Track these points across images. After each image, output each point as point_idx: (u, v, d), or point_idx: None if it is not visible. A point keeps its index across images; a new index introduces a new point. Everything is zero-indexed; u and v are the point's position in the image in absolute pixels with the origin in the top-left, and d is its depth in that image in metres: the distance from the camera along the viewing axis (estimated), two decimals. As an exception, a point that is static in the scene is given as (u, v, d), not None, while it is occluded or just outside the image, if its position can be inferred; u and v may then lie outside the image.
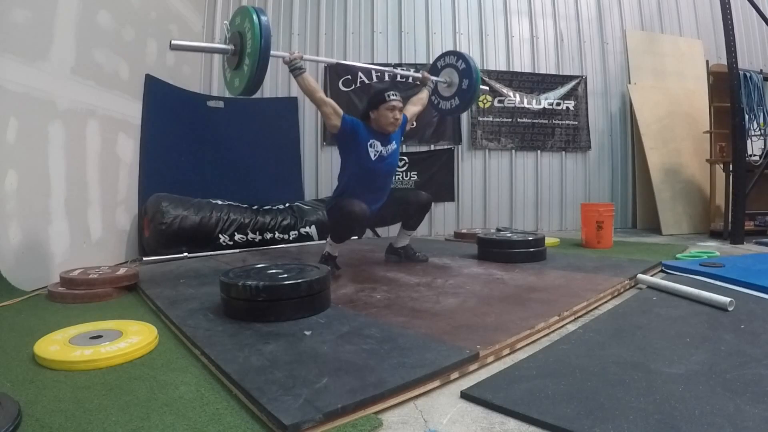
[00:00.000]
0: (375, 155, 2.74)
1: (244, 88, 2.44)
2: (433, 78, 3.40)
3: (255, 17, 2.32)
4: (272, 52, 2.38)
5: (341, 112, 2.71)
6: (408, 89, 5.39)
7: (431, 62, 5.29)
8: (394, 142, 2.86)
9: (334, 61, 3.88)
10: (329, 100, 2.71)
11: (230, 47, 2.52)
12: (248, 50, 2.38)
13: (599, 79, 5.81)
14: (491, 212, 5.58)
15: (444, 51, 3.82)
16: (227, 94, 5.19)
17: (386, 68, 4.43)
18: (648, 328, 1.76)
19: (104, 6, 3.35)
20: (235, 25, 2.52)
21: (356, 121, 2.77)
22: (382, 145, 2.77)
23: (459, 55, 3.49)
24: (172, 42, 2.39)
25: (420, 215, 3.11)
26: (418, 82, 3.44)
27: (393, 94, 2.76)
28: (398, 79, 5.36)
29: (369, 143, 2.73)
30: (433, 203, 3.41)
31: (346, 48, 5.37)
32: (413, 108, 3.15)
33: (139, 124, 3.92)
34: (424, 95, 3.27)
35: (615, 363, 1.41)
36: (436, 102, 3.63)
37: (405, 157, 5.37)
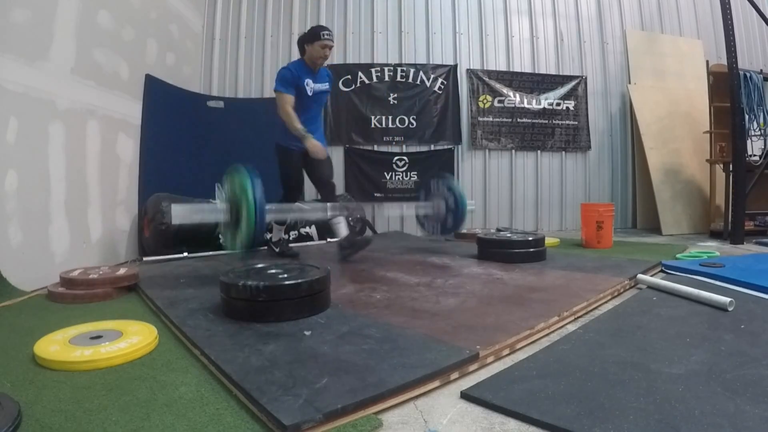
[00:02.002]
0: (311, 91, 3.20)
1: (245, 245, 2.52)
2: (420, 211, 3.83)
3: (251, 196, 2.41)
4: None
5: (284, 92, 3.07)
6: (408, 89, 5.41)
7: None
8: (326, 84, 3.33)
9: None
10: (286, 107, 3.07)
11: (227, 215, 2.58)
12: (243, 220, 2.45)
13: (599, 79, 5.81)
14: (491, 212, 5.58)
15: (438, 176, 3.99)
16: (227, 94, 5.22)
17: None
18: (648, 328, 1.76)
19: (104, 6, 3.35)
20: (231, 191, 2.57)
21: (294, 68, 3.16)
22: (313, 82, 3.22)
23: (449, 186, 3.67)
24: (173, 208, 2.57)
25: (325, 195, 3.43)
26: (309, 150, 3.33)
27: (327, 34, 3.14)
28: (398, 79, 5.38)
29: (305, 82, 3.16)
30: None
31: (346, 48, 5.37)
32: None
33: (139, 124, 3.92)
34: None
35: (615, 363, 1.41)
36: (422, 224, 3.94)
37: (405, 157, 5.38)
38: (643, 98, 5.54)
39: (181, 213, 2.61)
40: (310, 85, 3.20)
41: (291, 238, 4.06)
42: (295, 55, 5.29)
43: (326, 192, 3.35)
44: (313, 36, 3.13)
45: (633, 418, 1.07)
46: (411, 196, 5.35)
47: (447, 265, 3.03)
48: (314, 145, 3.05)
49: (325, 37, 3.11)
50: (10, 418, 1.07)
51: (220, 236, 3.78)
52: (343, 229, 3.24)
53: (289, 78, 3.11)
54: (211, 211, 2.83)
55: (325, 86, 3.32)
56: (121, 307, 2.26)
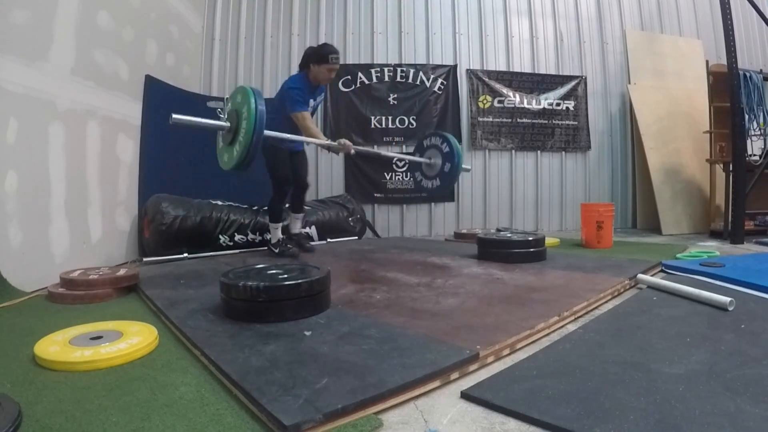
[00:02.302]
0: (310, 108, 3.34)
1: (233, 166, 2.61)
2: (416, 159, 3.77)
3: (253, 102, 2.45)
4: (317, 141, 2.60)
5: (306, 111, 3.22)
6: (408, 90, 5.42)
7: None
8: (320, 98, 3.51)
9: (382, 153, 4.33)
10: (307, 122, 3.20)
11: (227, 124, 2.63)
12: (242, 133, 2.52)
13: (599, 79, 5.81)
14: (491, 212, 5.58)
15: (431, 132, 3.97)
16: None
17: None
18: (648, 328, 1.76)
19: (104, 6, 3.35)
20: (234, 102, 2.62)
21: (302, 87, 3.23)
22: (313, 100, 3.36)
23: (444, 138, 3.63)
24: (173, 116, 2.48)
25: (301, 196, 3.62)
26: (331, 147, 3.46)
27: (335, 58, 3.23)
28: (398, 79, 5.38)
29: (307, 96, 3.26)
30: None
31: (346, 48, 5.37)
32: None
33: (139, 124, 3.92)
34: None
35: (615, 363, 1.41)
36: (419, 179, 3.78)
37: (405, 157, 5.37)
38: (643, 98, 5.54)
39: (182, 118, 2.58)
40: (311, 104, 3.36)
41: (307, 234, 4.07)
42: (295, 55, 5.35)
43: (303, 189, 3.63)
44: (322, 58, 3.19)
45: (633, 418, 1.07)
46: (411, 196, 5.36)
47: (447, 265, 3.03)
48: (344, 144, 3.22)
49: (333, 61, 3.20)
50: (10, 419, 1.07)
51: (220, 236, 3.79)
52: (298, 225, 3.59)
53: (301, 99, 3.21)
54: (211, 123, 2.79)
55: (319, 100, 3.53)
56: (121, 308, 2.26)
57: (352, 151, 3.28)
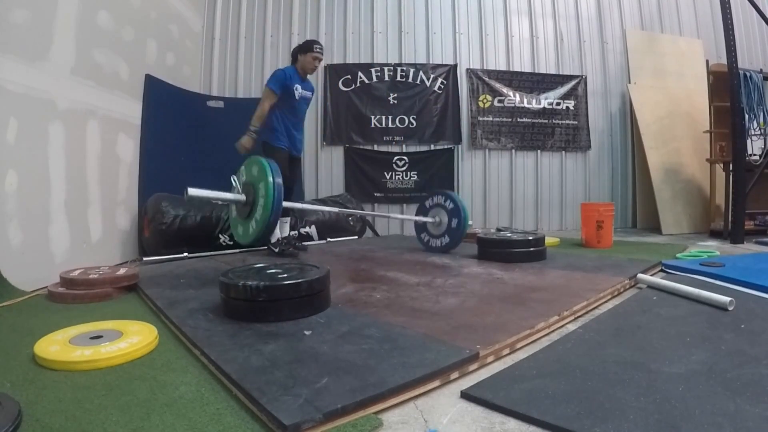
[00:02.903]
0: (298, 96, 3.46)
1: (252, 241, 2.57)
2: (422, 219, 3.67)
3: (270, 178, 2.41)
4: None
5: (275, 92, 3.33)
6: (408, 89, 5.42)
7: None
8: (308, 92, 3.61)
9: None
10: (266, 104, 3.32)
11: (242, 197, 2.59)
12: (259, 211, 2.47)
13: (599, 79, 5.81)
14: (491, 212, 5.58)
15: (433, 191, 3.87)
16: (227, 94, 5.22)
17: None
18: (648, 328, 1.76)
19: (104, 6, 3.35)
20: (250, 175, 2.58)
21: (288, 72, 3.43)
22: (302, 88, 3.49)
23: (447, 196, 3.60)
24: (189, 191, 2.43)
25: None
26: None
27: (319, 48, 3.46)
28: (398, 79, 5.39)
29: (295, 87, 3.41)
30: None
31: (346, 48, 5.37)
32: None
33: (139, 124, 3.92)
34: None
35: (615, 363, 1.41)
36: (426, 240, 3.70)
37: (405, 157, 5.38)
38: (643, 98, 5.54)
39: (197, 193, 2.53)
40: (299, 90, 3.48)
41: (297, 235, 4.05)
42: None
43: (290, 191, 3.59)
44: (306, 48, 3.46)
45: (633, 418, 1.07)
46: (411, 195, 5.36)
47: (447, 265, 3.03)
48: (245, 142, 3.31)
49: (316, 50, 3.45)
50: (10, 418, 1.07)
51: (220, 236, 3.79)
52: (286, 229, 3.61)
53: (282, 79, 3.38)
54: (228, 197, 2.77)
55: (308, 94, 3.64)
56: (121, 307, 2.26)
57: (241, 150, 3.30)
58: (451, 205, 3.51)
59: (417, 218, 3.72)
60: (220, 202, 3.03)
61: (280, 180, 2.46)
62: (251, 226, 2.54)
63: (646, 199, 5.54)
